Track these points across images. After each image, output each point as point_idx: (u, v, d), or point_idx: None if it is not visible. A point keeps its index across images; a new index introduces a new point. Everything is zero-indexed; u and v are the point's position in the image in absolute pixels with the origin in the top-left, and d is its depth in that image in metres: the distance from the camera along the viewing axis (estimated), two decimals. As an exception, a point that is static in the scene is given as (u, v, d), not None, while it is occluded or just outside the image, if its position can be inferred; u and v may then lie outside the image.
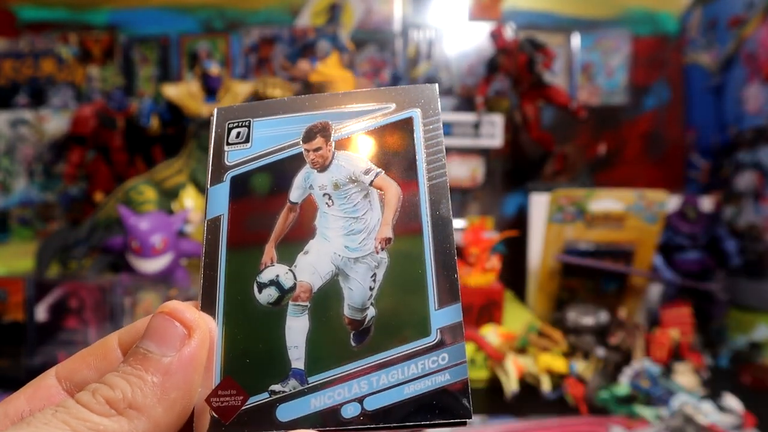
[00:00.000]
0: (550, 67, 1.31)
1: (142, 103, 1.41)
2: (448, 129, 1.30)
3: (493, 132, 1.31)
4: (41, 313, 1.00)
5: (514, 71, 1.32)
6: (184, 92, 1.33)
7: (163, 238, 1.06)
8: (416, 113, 0.31)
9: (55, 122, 1.51)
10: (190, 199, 1.21)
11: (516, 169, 1.47)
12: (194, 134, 1.26)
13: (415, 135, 0.31)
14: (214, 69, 1.30)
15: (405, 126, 0.31)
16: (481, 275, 1.01)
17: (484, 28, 1.42)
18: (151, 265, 1.05)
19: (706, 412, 0.81)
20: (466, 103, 1.44)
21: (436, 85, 0.32)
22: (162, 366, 0.23)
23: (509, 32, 1.33)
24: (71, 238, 1.17)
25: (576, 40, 1.51)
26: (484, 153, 1.35)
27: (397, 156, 0.30)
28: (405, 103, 0.31)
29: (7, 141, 1.52)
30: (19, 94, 1.52)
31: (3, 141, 1.51)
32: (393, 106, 0.31)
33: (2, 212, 1.51)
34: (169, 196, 1.23)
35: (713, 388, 0.90)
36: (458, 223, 1.28)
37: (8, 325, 1.05)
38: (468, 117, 1.30)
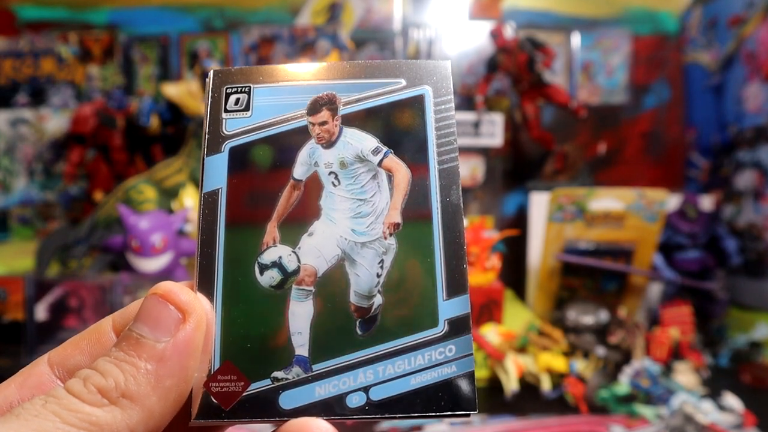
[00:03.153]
0: (550, 66, 1.31)
1: (141, 102, 1.41)
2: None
3: (493, 131, 1.31)
4: (41, 312, 1.00)
5: (514, 70, 1.32)
6: (183, 91, 1.33)
7: (162, 237, 1.05)
8: (427, 91, 0.30)
9: (55, 121, 1.51)
10: (189, 199, 1.21)
11: (516, 169, 1.47)
12: (194, 133, 1.26)
13: (426, 115, 0.29)
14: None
15: (415, 104, 0.29)
16: (481, 274, 1.01)
17: (484, 27, 1.42)
18: (151, 265, 1.05)
19: (706, 411, 0.81)
20: (466, 102, 1.43)
21: (449, 62, 0.30)
22: (156, 352, 0.23)
23: (509, 31, 1.32)
24: (71, 237, 1.17)
25: (576, 39, 1.51)
26: (484, 152, 1.35)
27: (406, 136, 0.29)
28: (416, 79, 0.30)
29: (7, 140, 1.51)
30: (19, 93, 1.52)
31: (3, 140, 1.51)
32: (403, 81, 0.30)
33: (2, 211, 1.51)
34: (168, 195, 1.23)
35: (713, 387, 0.90)
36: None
37: (8, 325, 1.05)
38: (468, 116, 1.30)
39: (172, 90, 1.33)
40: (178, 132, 1.38)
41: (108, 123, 1.38)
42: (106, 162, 1.41)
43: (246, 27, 1.51)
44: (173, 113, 1.38)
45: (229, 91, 0.30)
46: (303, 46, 1.47)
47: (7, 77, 1.52)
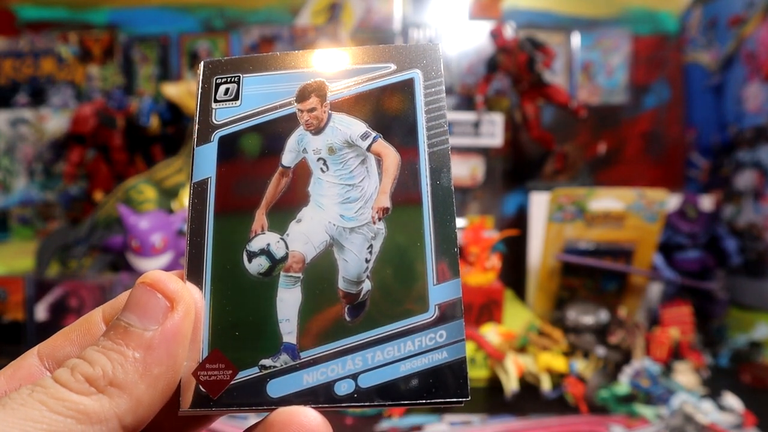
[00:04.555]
0: (550, 66, 1.31)
1: (142, 102, 1.41)
2: (449, 128, 1.29)
3: (493, 131, 1.31)
4: (41, 312, 1.00)
5: (514, 70, 1.32)
6: (183, 91, 1.32)
7: (162, 237, 1.05)
8: (417, 75, 0.29)
9: (55, 121, 1.51)
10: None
11: (516, 169, 1.47)
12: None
13: (415, 98, 0.29)
14: (213, 68, 1.29)
15: (405, 88, 0.29)
16: (481, 274, 1.01)
17: (484, 27, 1.42)
18: (151, 265, 1.05)
19: (706, 411, 0.81)
20: (466, 102, 1.43)
21: (439, 44, 0.30)
22: (144, 340, 0.22)
23: (509, 31, 1.32)
24: (71, 237, 1.17)
25: (576, 39, 1.51)
26: (484, 152, 1.35)
27: (396, 120, 0.29)
28: (405, 63, 0.30)
29: (7, 140, 1.51)
30: (19, 93, 1.52)
31: (3, 140, 1.51)
32: (393, 66, 0.30)
33: (2, 211, 1.51)
34: (168, 195, 1.23)
35: (713, 387, 0.90)
36: (458, 223, 1.27)
37: (8, 325, 1.05)
38: (468, 116, 1.30)
39: (172, 90, 1.33)
40: (178, 132, 1.39)
41: (108, 123, 1.38)
42: (106, 162, 1.41)
43: (246, 27, 1.51)
44: (173, 113, 1.38)
45: (218, 81, 0.30)
46: (303, 46, 1.46)
47: (7, 77, 1.52)
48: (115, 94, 1.42)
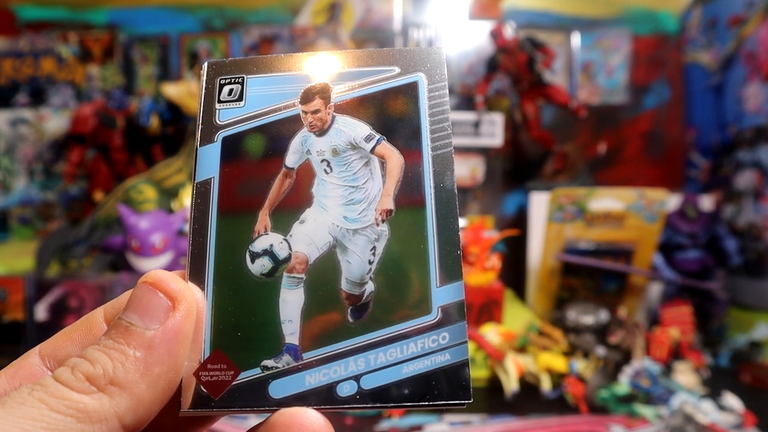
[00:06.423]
0: (550, 66, 1.31)
1: (141, 102, 1.41)
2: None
3: (493, 131, 1.31)
4: (41, 312, 1.00)
5: (514, 70, 1.32)
6: (183, 91, 1.32)
7: (162, 237, 1.05)
8: (421, 78, 0.30)
9: (55, 121, 1.51)
10: (189, 198, 1.21)
11: (516, 168, 1.47)
12: (194, 133, 1.26)
13: (419, 101, 0.29)
14: (213, 68, 1.29)
15: (409, 91, 0.29)
16: (481, 274, 1.01)
17: (484, 27, 1.42)
18: (151, 265, 1.05)
19: (706, 411, 0.81)
20: (466, 102, 1.43)
21: (443, 48, 0.30)
22: (145, 339, 0.22)
23: (509, 31, 1.32)
24: (71, 237, 1.17)
25: (576, 39, 1.51)
26: (484, 152, 1.35)
27: (399, 123, 0.29)
28: (409, 66, 0.30)
29: (7, 140, 1.51)
30: (19, 93, 1.52)
31: (3, 140, 1.51)
32: (397, 69, 0.30)
33: (2, 211, 1.51)
34: (168, 195, 1.23)
35: (713, 387, 0.90)
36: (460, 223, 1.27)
37: (8, 325, 1.05)
38: (468, 116, 1.30)
39: (172, 90, 1.33)
40: (178, 132, 1.38)
41: (108, 123, 1.38)
42: (106, 162, 1.41)
43: (246, 27, 1.51)
44: (173, 113, 1.38)
45: (222, 82, 0.30)
46: (303, 46, 1.46)
47: (7, 77, 1.52)
48: (115, 94, 1.42)
